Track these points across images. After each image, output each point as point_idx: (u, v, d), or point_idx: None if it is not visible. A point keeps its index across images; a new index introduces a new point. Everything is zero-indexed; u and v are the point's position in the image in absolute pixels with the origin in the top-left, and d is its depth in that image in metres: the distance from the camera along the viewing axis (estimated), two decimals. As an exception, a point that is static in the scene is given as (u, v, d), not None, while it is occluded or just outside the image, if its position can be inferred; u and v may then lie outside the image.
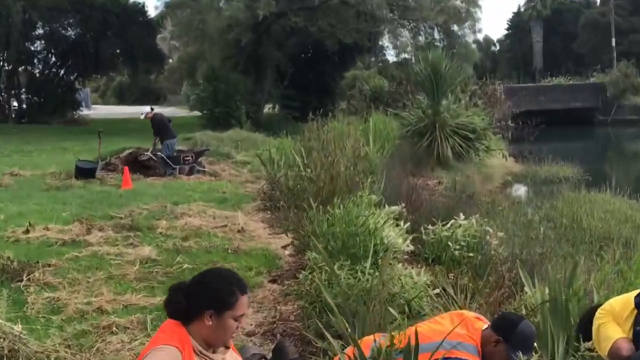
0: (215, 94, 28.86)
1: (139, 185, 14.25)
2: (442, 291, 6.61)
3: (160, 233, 9.71)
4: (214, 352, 3.30)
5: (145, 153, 16.73)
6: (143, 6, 36.29)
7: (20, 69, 35.03)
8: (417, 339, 3.92)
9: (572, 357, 4.45)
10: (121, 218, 10.61)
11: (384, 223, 7.19)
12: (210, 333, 3.23)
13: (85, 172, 15.06)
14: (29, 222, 9.71)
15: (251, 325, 6.29)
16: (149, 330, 5.76)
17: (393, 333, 4.12)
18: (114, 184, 14.30)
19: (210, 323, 3.21)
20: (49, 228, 9.63)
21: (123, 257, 8.31)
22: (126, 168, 14.78)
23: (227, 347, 3.42)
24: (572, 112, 47.05)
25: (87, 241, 9.07)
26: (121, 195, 12.88)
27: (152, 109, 17.86)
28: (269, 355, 5.09)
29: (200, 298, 3.22)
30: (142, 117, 17.60)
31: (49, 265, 7.80)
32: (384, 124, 18.86)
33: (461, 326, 4.42)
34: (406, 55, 35.86)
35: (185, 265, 7.93)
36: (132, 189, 13.65)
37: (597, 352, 4.74)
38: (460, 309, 5.72)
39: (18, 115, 33.74)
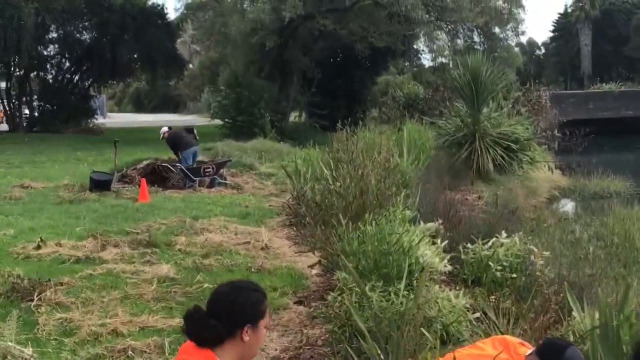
0: (238, 101, 28.87)
1: (156, 199, 14.32)
2: (483, 315, 6.56)
3: (179, 250, 9.76)
4: None
5: (163, 164, 16.82)
6: (162, 8, 36.49)
7: (32, 74, 35.13)
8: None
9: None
10: (138, 234, 10.68)
11: (419, 241, 7.15)
12: (246, 349, 3.25)
13: (100, 185, 15.13)
14: (41, 238, 9.79)
15: (276, 350, 6.29)
16: (167, 354, 5.78)
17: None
18: (130, 197, 14.38)
19: (249, 338, 3.22)
20: (61, 244, 9.70)
21: (139, 275, 8.36)
22: (143, 180, 14.85)
23: None
24: (623, 121, 46.58)
25: (102, 258, 9.14)
26: (138, 209, 12.96)
27: (169, 128, 17.98)
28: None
29: (236, 316, 3.22)
30: (161, 137, 17.76)
31: (61, 284, 7.86)
32: (418, 133, 18.81)
33: (505, 352, 4.38)
34: (443, 60, 35.79)
35: (206, 285, 7.93)
36: (149, 203, 13.72)
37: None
38: (503, 334, 5.67)
39: (30, 124, 33.85)
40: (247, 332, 3.23)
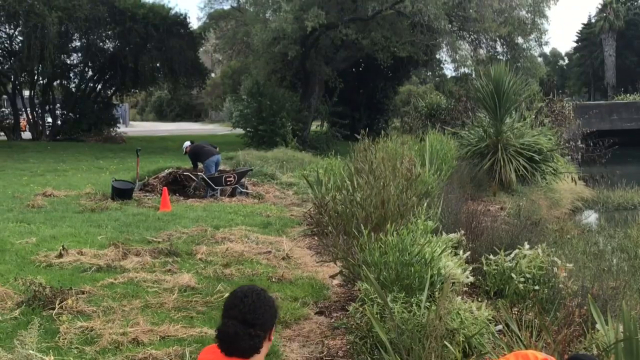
0: (260, 110, 28.93)
1: (178, 208, 14.38)
2: (505, 327, 6.52)
3: (200, 259, 9.79)
4: None
5: (185, 173, 16.89)
6: (185, 17, 36.62)
7: (55, 83, 35.46)
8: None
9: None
10: (159, 242, 10.73)
11: (441, 252, 7.13)
12: (266, 351, 3.28)
13: (121, 193, 15.21)
14: (62, 246, 9.85)
15: (296, 361, 6.28)
16: (187, 364, 5.79)
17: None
18: (151, 206, 14.45)
19: (268, 343, 3.26)
20: (83, 252, 9.77)
21: (161, 284, 8.40)
22: (165, 189, 14.91)
23: None
24: (647, 133, 46.34)
25: (123, 267, 9.19)
26: (159, 218, 13.02)
27: (191, 142, 18.09)
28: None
29: (271, 320, 3.25)
30: (184, 153, 17.91)
31: (83, 292, 7.92)
32: (441, 143, 18.74)
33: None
34: (466, 70, 35.65)
35: (227, 294, 7.91)
36: (170, 212, 13.78)
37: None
38: (526, 347, 5.64)
39: (52, 132, 34.15)
40: (270, 336, 3.26)
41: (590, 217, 18.85)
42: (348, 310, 7.09)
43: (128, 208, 14.17)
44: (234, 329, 3.19)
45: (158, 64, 36.61)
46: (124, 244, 10.37)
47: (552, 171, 19.83)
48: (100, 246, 10.32)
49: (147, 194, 15.90)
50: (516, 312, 7.18)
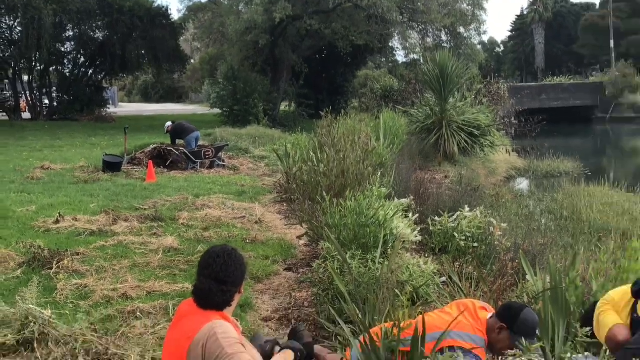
0: (235, 92, 28.76)
1: (162, 179, 14.25)
2: (449, 279, 6.57)
3: (182, 224, 9.72)
4: None
5: (168, 148, 16.74)
6: (167, 10, 36.25)
7: (51, 69, 34.90)
8: (424, 326, 3.90)
9: (571, 343, 4.40)
10: (145, 209, 10.64)
11: (393, 215, 7.15)
12: (237, 302, 3.27)
13: (111, 166, 15.05)
14: (59, 213, 9.75)
15: (268, 311, 6.28)
16: (170, 315, 5.75)
17: (400, 319, 4.10)
18: (138, 178, 14.31)
19: (238, 296, 3.25)
20: (77, 219, 9.66)
21: (147, 246, 8.33)
22: (150, 162, 14.79)
23: None
24: (572, 110, 46.86)
25: (113, 231, 9.10)
26: (145, 188, 12.89)
27: (173, 122, 17.97)
28: (283, 340, 5.08)
29: (241, 277, 3.22)
30: (166, 132, 17.80)
31: (78, 254, 7.83)
32: (393, 121, 18.77)
33: (468, 316, 4.39)
34: (415, 56, 35.62)
35: (205, 254, 7.90)
36: (155, 182, 13.66)
37: (596, 338, 4.70)
38: (466, 296, 5.69)
39: (49, 113, 33.66)
40: (241, 290, 3.23)
41: (522, 184, 19.01)
42: (312, 267, 7.11)
43: (117, 179, 14.01)
44: (208, 286, 3.17)
45: (143, 52, 36.21)
46: (114, 211, 10.25)
47: (490, 144, 19.95)
48: (92, 213, 10.21)
49: (135, 167, 15.72)
50: (458, 266, 7.24)
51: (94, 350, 4.58)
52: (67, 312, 5.82)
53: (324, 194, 7.99)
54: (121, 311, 5.87)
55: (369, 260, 6.13)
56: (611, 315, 4.62)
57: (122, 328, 5.37)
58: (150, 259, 7.76)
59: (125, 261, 7.63)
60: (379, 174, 10.06)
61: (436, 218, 8.55)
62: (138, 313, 5.81)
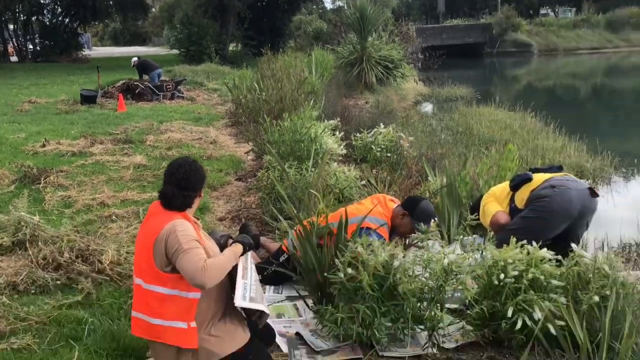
0: (190, 35, 28.20)
1: (131, 109, 13.87)
2: (367, 182, 6.68)
3: (149, 145, 9.56)
4: None
5: (135, 82, 16.25)
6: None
7: (33, 18, 33.48)
8: (346, 215, 3.97)
9: (462, 226, 4.56)
10: (118, 134, 10.40)
11: (322, 132, 7.15)
12: (197, 205, 3.25)
13: (88, 99, 14.63)
14: (45, 138, 9.53)
15: (222, 212, 6.29)
16: (141, 218, 5.71)
17: (327, 212, 4.16)
18: (111, 108, 13.89)
19: (198, 199, 3.22)
20: (60, 143, 9.43)
21: (120, 163, 8.19)
22: (120, 95, 14.44)
23: None
24: (466, 47, 47.16)
25: (91, 152, 8.92)
26: (117, 117, 12.57)
27: (138, 58, 17.42)
28: (235, 235, 5.11)
29: (200, 184, 3.19)
30: (132, 65, 17.31)
31: (62, 171, 7.68)
32: (323, 57, 18.57)
33: (379, 205, 4.48)
34: (340, 3, 35.06)
35: (169, 168, 7.82)
36: (125, 112, 13.29)
37: (482, 224, 4.87)
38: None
39: (34, 56, 32.49)
40: (198, 198, 3.21)
41: (427, 107, 19.14)
42: (258, 176, 7.11)
43: (93, 110, 13.61)
44: (171, 191, 3.13)
45: (111, 2, 34.94)
46: (91, 135, 10.03)
47: (401, 75, 19.97)
48: (73, 138, 9.93)
49: (107, 100, 15.22)
50: (375, 172, 7.32)
51: (77, 247, 4.53)
52: (54, 217, 5.72)
53: (265, 116, 7.92)
54: (99, 216, 5.79)
55: (303, 169, 6.15)
56: (494, 205, 4.79)
57: (100, 229, 5.31)
58: (123, 174, 7.63)
59: (102, 176, 7.49)
60: (311, 100, 10.01)
61: (357, 134, 8.59)
62: (114, 217, 5.75)
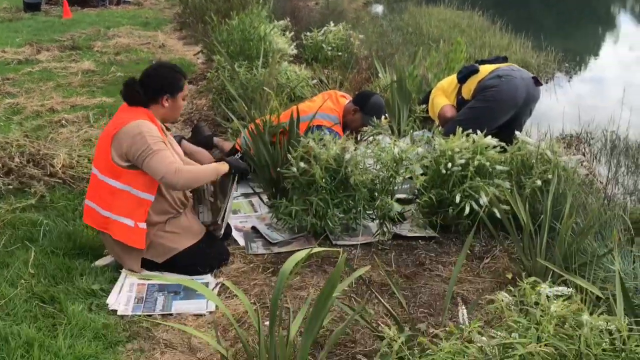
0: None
1: (77, 15, 13.04)
2: (319, 81, 6.53)
3: (97, 51, 9.03)
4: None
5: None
6: None
7: None
8: (298, 113, 3.86)
9: (411, 118, 4.51)
10: (64, 41, 9.77)
11: (271, 30, 6.86)
12: (166, 113, 3.16)
13: (31, 6, 13.61)
14: (-12, 47, 8.88)
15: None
16: (91, 122, 5.49)
17: (280, 110, 4.04)
18: (56, 15, 13.01)
19: (167, 104, 3.11)
20: (5, 51, 8.82)
21: (68, 70, 7.75)
22: (65, 1, 13.51)
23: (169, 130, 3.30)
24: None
25: (38, 59, 8.39)
26: (63, 24, 11.78)
27: None
28: (188, 135, 4.97)
29: (158, 86, 3.09)
30: None
31: (8, 79, 7.24)
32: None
33: (330, 101, 4.37)
34: None
35: (119, 74, 7.46)
36: (71, 18, 12.48)
37: (430, 117, 4.84)
38: (332, 92, 5.66)
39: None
40: (166, 100, 3.11)
41: (378, 8, 18.63)
42: (208, 77, 6.85)
43: (38, 17, 12.70)
44: (132, 86, 3.06)
45: None
46: (37, 43, 9.37)
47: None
48: (18, 46, 9.28)
49: (52, 6, 14.23)
50: (326, 72, 7.17)
51: (27, 152, 4.31)
52: (2, 124, 5.42)
53: (213, 16, 7.55)
54: (49, 121, 5.51)
55: (254, 69, 5.93)
56: (442, 99, 4.73)
57: (50, 134, 5.06)
58: (71, 80, 7.24)
59: (50, 83, 7.09)
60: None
61: (308, 34, 8.30)
62: (64, 122, 5.48)
